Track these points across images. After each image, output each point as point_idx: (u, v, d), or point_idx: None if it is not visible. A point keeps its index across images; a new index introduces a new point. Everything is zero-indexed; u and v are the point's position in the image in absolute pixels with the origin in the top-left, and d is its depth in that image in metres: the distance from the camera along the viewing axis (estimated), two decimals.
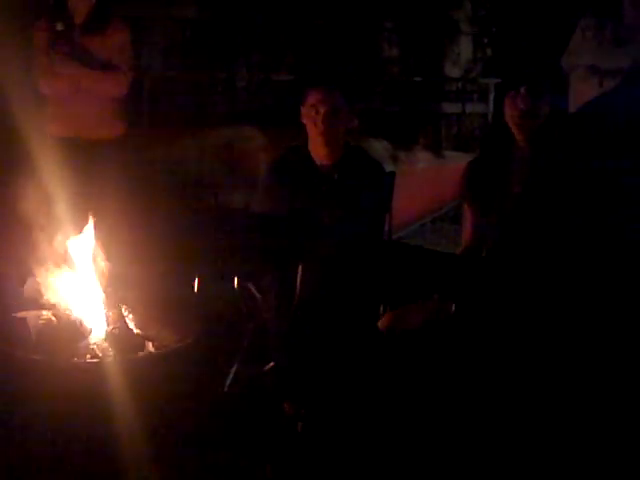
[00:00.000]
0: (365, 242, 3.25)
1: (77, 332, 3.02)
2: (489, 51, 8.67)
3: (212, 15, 7.63)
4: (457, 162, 6.03)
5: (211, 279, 3.36)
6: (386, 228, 3.69)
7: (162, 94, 7.16)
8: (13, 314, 3.10)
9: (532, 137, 3.09)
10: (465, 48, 8.67)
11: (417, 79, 8.43)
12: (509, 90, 3.09)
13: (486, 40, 8.66)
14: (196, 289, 3.19)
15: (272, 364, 3.27)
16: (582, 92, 3.29)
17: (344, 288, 3.05)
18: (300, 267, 3.12)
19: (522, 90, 3.03)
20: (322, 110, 3.42)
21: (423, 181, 6.69)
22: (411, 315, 2.90)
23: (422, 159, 7.28)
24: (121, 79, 4.43)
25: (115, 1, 4.63)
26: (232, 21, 7.70)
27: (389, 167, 3.85)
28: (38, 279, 3.11)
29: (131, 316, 3.17)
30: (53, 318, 3.07)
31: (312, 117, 3.46)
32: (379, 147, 6.65)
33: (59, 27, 4.34)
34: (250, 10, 7.71)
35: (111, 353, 2.95)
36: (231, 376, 3.26)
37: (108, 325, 3.05)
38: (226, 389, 3.23)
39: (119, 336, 3.00)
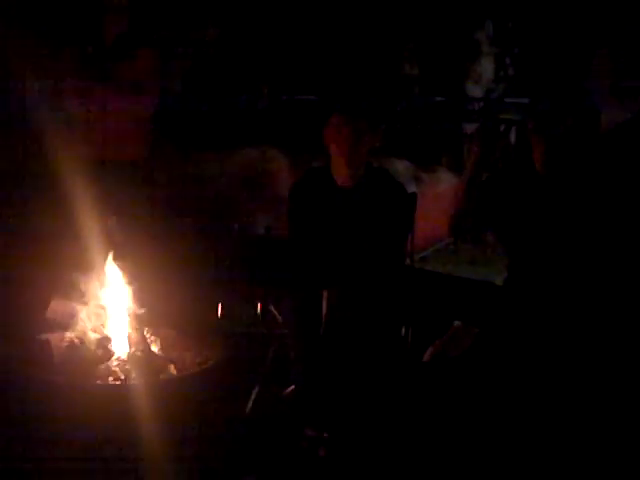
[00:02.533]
0: (387, 264, 3.24)
1: (100, 354, 3.03)
2: (511, 71, 8.66)
3: (233, 37, 7.68)
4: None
5: (233, 302, 3.37)
6: (408, 249, 3.68)
7: (185, 115, 7.20)
8: (36, 336, 3.12)
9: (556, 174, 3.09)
10: (487, 68, 8.66)
11: (439, 99, 8.42)
12: (538, 132, 3.07)
13: (508, 60, 8.65)
14: (220, 314, 3.19)
15: (293, 387, 3.26)
16: (605, 113, 3.28)
17: (368, 312, 3.05)
18: (325, 292, 3.11)
19: (552, 132, 3.03)
20: (345, 132, 3.43)
21: (446, 202, 6.67)
22: (458, 342, 2.90)
23: (444, 179, 7.26)
24: (147, 101, 4.47)
25: (145, 25, 4.69)
26: (254, 43, 7.75)
27: (411, 188, 3.84)
28: (63, 302, 3.13)
29: (153, 338, 3.18)
30: (76, 340, 3.09)
31: (334, 139, 3.47)
32: (401, 168, 6.64)
33: (90, 50, 4.40)
34: (273, 32, 7.75)
35: (133, 375, 2.96)
36: (253, 399, 3.25)
37: (131, 347, 3.06)
38: (248, 412, 3.22)
39: (141, 358, 3.00)
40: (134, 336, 3.07)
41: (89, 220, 3.39)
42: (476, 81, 8.59)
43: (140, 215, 4.00)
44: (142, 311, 3.18)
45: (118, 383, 2.93)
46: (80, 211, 3.53)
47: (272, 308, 3.34)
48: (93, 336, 3.09)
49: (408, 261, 3.71)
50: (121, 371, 2.98)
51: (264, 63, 7.69)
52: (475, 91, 8.62)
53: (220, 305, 3.19)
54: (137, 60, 4.44)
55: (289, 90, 7.72)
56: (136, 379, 2.94)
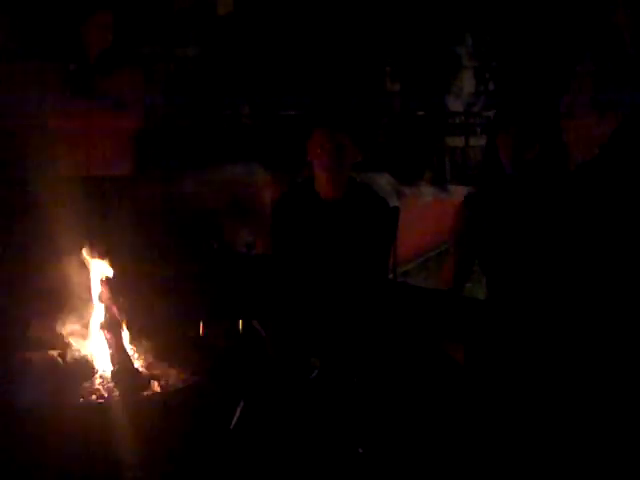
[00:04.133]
0: (370, 279, 3.25)
1: (83, 372, 3.01)
2: (491, 85, 8.71)
3: (215, 53, 7.70)
4: (461, 196, 6.04)
5: (217, 317, 3.36)
6: (391, 263, 3.69)
7: (167, 132, 7.19)
8: (18, 354, 3.10)
9: (525, 174, 3.11)
10: (467, 82, 8.71)
11: (420, 113, 8.47)
12: (502, 128, 3.12)
13: (488, 74, 8.71)
14: (202, 332, 3.19)
15: (278, 401, 3.25)
16: (584, 125, 3.30)
17: (351, 328, 3.05)
18: (304, 307, 3.12)
19: (513, 128, 3.07)
20: (327, 147, 3.44)
21: (428, 215, 6.71)
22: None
23: (427, 193, 7.30)
24: (132, 118, 4.47)
25: (128, 42, 4.69)
26: (236, 58, 7.76)
27: (394, 202, 3.85)
28: (45, 319, 3.11)
29: (137, 355, 3.16)
30: (59, 358, 3.07)
31: (318, 154, 3.48)
32: (383, 182, 6.67)
33: (72, 67, 4.40)
34: (256, 47, 7.77)
35: (117, 393, 2.94)
36: (237, 414, 3.24)
37: (114, 365, 3.04)
38: (233, 427, 3.21)
39: (125, 376, 2.99)
40: (117, 353, 3.05)
41: (71, 237, 3.38)
42: (457, 95, 8.65)
43: (123, 233, 3.99)
44: (125, 326, 3.17)
45: (102, 401, 2.91)
46: (62, 228, 3.52)
47: (255, 322, 3.34)
48: (76, 354, 3.07)
49: (391, 275, 3.72)
50: (104, 389, 2.96)
51: (247, 79, 7.70)
52: (456, 105, 8.68)
53: (202, 323, 3.18)
54: (120, 76, 4.44)
55: (272, 105, 7.74)
56: (119, 397, 2.92)
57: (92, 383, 2.99)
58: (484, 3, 8.26)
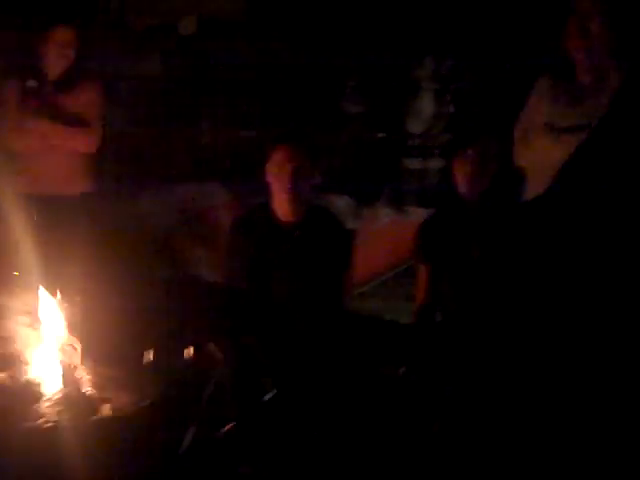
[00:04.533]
0: (325, 305, 3.24)
1: (31, 395, 2.95)
2: (451, 107, 8.78)
3: (176, 71, 7.68)
4: (419, 217, 6.07)
5: (170, 339, 3.32)
6: (347, 286, 3.69)
7: (126, 150, 7.15)
8: None
9: (480, 198, 3.13)
10: (426, 104, 8.77)
11: (379, 135, 8.51)
12: (457, 150, 3.15)
13: (448, 97, 8.78)
14: (152, 358, 3.14)
15: (230, 425, 3.22)
16: (539, 150, 3.33)
17: (305, 351, 3.03)
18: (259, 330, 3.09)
19: (469, 151, 3.10)
20: (286, 168, 3.44)
21: (385, 237, 6.72)
22: None
23: (384, 215, 7.32)
24: (91, 135, 4.43)
25: (87, 58, 4.66)
26: (197, 78, 7.75)
27: (352, 224, 3.86)
28: None
29: (87, 377, 3.11)
30: (7, 380, 3.01)
31: (276, 175, 3.47)
32: (342, 204, 6.68)
33: (31, 84, 4.35)
34: (216, 67, 7.76)
35: (66, 417, 2.88)
36: (188, 438, 3.19)
37: (63, 388, 2.99)
38: (183, 451, 3.16)
39: (74, 399, 2.93)
40: (67, 375, 3.00)
41: (25, 256, 3.33)
42: (416, 117, 8.70)
43: (80, 253, 3.94)
44: (76, 349, 3.11)
45: (50, 425, 2.85)
46: (16, 246, 3.47)
47: (210, 344, 3.30)
48: (24, 376, 3.01)
49: (347, 297, 3.72)
50: (53, 413, 2.90)
51: (208, 98, 7.69)
52: (415, 127, 8.73)
53: (153, 350, 3.14)
54: (80, 94, 4.40)
55: (232, 124, 7.73)
56: (69, 421, 2.86)
57: (41, 406, 2.94)
58: (444, 26, 8.34)
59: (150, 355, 3.09)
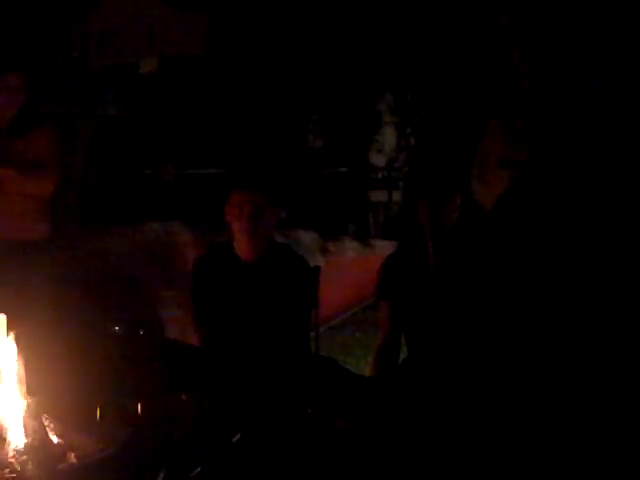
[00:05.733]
0: (290, 342, 3.24)
1: None
2: (412, 140, 8.89)
3: (138, 112, 7.69)
4: (385, 250, 6.11)
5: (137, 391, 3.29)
6: (313, 322, 3.69)
7: (87, 191, 7.13)
8: None
9: (444, 237, 3.16)
10: (389, 138, 8.87)
11: (343, 169, 8.58)
12: (420, 195, 3.17)
13: (409, 130, 8.89)
14: (98, 416, 3.11)
15: (199, 469, 3.19)
16: (496, 185, 3.37)
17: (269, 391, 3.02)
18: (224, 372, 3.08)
19: (431, 198, 3.13)
20: (246, 210, 3.44)
21: (352, 271, 6.74)
22: None
23: (351, 249, 7.35)
24: (47, 180, 4.40)
25: (42, 102, 4.64)
26: (158, 117, 7.76)
27: (318, 259, 3.88)
28: None
29: (52, 425, 3.07)
30: None
31: (236, 216, 3.47)
32: (307, 238, 6.70)
33: None
34: (178, 106, 7.78)
35: (31, 466, 2.84)
36: None
37: (27, 436, 2.95)
38: None
39: (39, 447, 2.89)
40: (31, 424, 2.96)
41: None
42: (379, 150, 8.79)
43: (38, 298, 3.90)
44: (39, 396, 3.07)
45: (13, 475, 2.81)
46: None
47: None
48: None
49: (313, 334, 3.72)
50: (17, 462, 2.86)
51: (169, 137, 7.70)
52: (378, 160, 8.81)
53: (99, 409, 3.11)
54: (36, 137, 4.38)
55: (194, 164, 7.74)
56: (33, 469, 2.82)
57: (4, 456, 2.89)
58: (404, 62, 8.45)
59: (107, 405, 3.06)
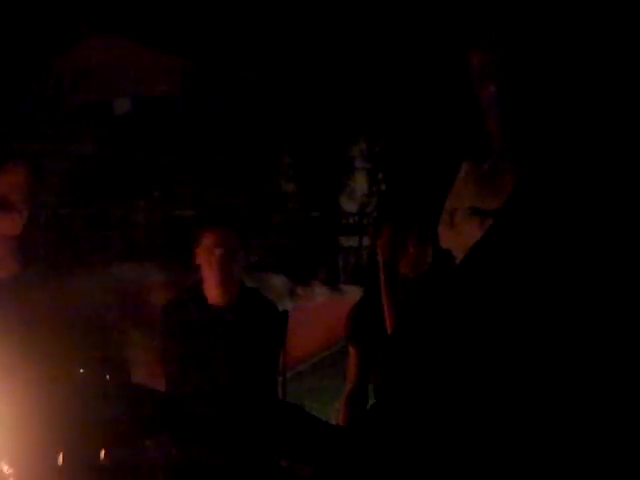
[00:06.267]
0: (258, 387, 3.22)
1: None
2: (383, 186, 8.95)
3: (111, 152, 7.69)
4: (354, 296, 6.12)
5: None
6: (280, 366, 3.68)
7: (58, 230, 7.10)
8: None
9: (419, 279, 3.18)
10: (360, 183, 8.93)
11: (314, 214, 8.62)
12: (395, 236, 3.19)
13: (381, 175, 8.96)
14: (60, 462, 3.06)
15: None
16: (466, 233, 3.40)
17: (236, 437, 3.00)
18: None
19: (410, 237, 3.15)
20: (217, 252, 3.43)
21: (322, 316, 6.74)
22: None
23: (320, 293, 7.35)
24: (16, 218, 4.36)
25: (12, 138, 4.63)
26: (131, 158, 7.76)
27: (287, 303, 3.88)
28: None
29: (12, 471, 3.02)
30: None
31: (207, 259, 3.46)
32: (277, 282, 6.69)
33: None
34: (150, 148, 7.79)
35: None
36: None
37: None
38: None
39: None
40: None
41: None
42: (350, 196, 8.85)
43: (6, 338, 3.85)
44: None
45: None
46: None
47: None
48: None
49: (281, 378, 3.71)
50: None
51: (142, 178, 7.70)
52: (350, 206, 8.87)
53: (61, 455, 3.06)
54: (4, 176, 4.35)
55: (167, 205, 7.74)
56: None
57: None
58: (376, 107, 8.54)
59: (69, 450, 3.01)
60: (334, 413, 3.88)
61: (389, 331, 3.19)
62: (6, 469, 3.02)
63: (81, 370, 3.08)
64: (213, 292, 3.50)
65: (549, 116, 2.51)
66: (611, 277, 2.16)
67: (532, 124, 2.55)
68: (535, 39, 2.43)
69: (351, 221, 8.88)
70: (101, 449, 3.01)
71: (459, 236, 3.39)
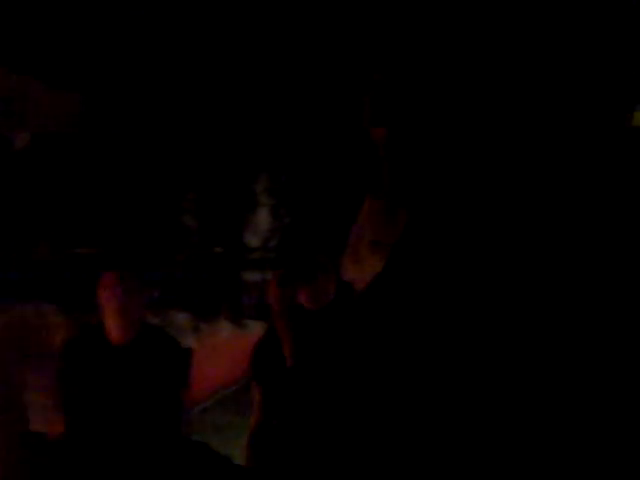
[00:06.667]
0: (161, 427, 3.19)
1: None
2: (287, 221, 9.00)
3: (9, 187, 7.53)
4: (258, 331, 6.11)
5: None
6: (184, 403, 3.65)
7: None
8: None
9: (322, 312, 3.21)
10: (264, 218, 8.96)
11: (217, 249, 8.58)
12: (300, 279, 3.22)
13: (284, 210, 9.00)
14: None
15: None
16: (369, 266, 3.45)
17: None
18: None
19: (313, 281, 3.18)
20: (117, 292, 3.40)
21: (225, 351, 6.70)
22: None
23: (224, 329, 7.32)
24: None
25: None
26: (30, 193, 7.61)
27: (191, 339, 3.85)
28: None
29: None
30: None
31: (107, 299, 3.43)
32: (180, 319, 6.64)
33: None
34: (49, 184, 7.66)
35: None
36: None
37: None
38: None
39: None
40: None
41: None
42: (254, 231, 8.85)
43: None
44: None
45: None
46: None
47: None
48: None
49: (184, 416, 3.67)
50: None
51: (43, 215, 7.55)
52: (253, 241, 8.87)
53: None
54: None
55: (67, 243, 7.60)
56: None
57: None
58: (279, 143, 8.61)
59: None
60: (240, 450, 3.86)
61: (288, 365, 3.21)
62: None
63: None
64: (114, 331, 3.46)
65: (433, 160, 2.59)
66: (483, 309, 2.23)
67: (418, 166, 2.63)
68: (422, 86, 2.51)
69: (255, 256, 8.88)
70: None
71: (362, 269, 3.44)
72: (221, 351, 6.68)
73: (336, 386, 3.09)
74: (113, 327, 3.44)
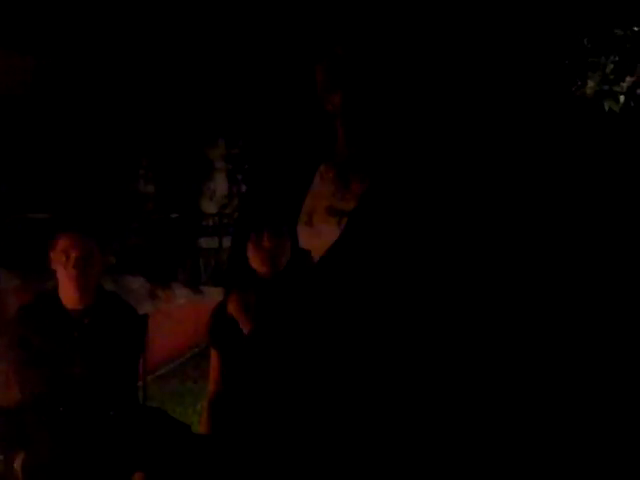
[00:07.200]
0: (118, 392, 3.18)
1: None
2: (243, 187, 8.97)
3: None
4: (215, 297, 6.10)
5: None
6: (141, 370, 3.65)
7: None
8: None
9: (277, 278, 3.21)
10: (220, 184, 8.91)
11: (173, 215, 8.54)
12: (251, 232, 3.21)
13: (240, 176, 8.97)
14: None
15: None
16: (324, 233, 3.45)
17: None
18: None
19: (265, 232, 3.18)
20: (72, 256, 3.36)
21: (182, 318, 6.69)
22: None
23: (181, 296, 7.29)
24: None
25: None
26: None
27: (147, 306, 3.84)
28: None
29: None
30: None
31: (62, 263, 3.38)
32: (136, 285, 6.60)
33: None
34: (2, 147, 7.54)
35: None
36: None
37: None
38: None
39: None
40: None
41: None
42: (210, 197, 8.81)
43: None
44: None
45: None
46: None
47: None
48: None
49: (141, 383, 3.68)
50: None
51: None
52: (209, 207, 8.83)
53: None
54: None
55: (20, 208, 7.49)
56: None
57: None
58: (235, 109, 8.54)
59: None
60: (197, 416, 3.88)
61: (245, 333, 3.21)
62: None
63: None
64: (69, 296, 3.43)
65: (389, 125, 2.59)
66: (445, 270, 2.25)
67: (374, 132, 2.63)
68: (377, 54, 2.50)
69: (211, 222, 8.84)
70: None
71: (318, 235, 3.45)
72: (178, 317, 6.67)
73: (290, 352, 3.10)
74: (69, 292, 3.41)
